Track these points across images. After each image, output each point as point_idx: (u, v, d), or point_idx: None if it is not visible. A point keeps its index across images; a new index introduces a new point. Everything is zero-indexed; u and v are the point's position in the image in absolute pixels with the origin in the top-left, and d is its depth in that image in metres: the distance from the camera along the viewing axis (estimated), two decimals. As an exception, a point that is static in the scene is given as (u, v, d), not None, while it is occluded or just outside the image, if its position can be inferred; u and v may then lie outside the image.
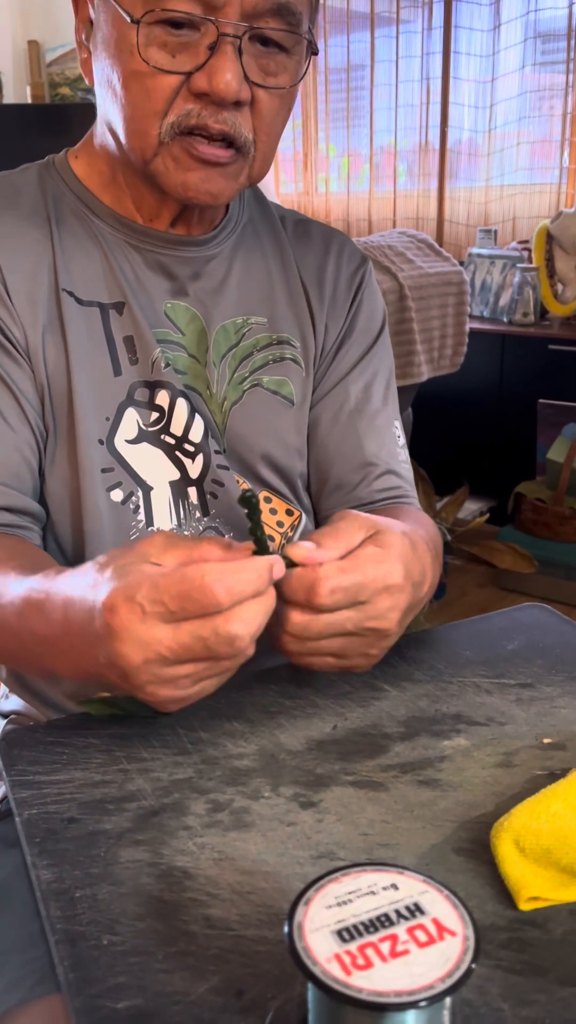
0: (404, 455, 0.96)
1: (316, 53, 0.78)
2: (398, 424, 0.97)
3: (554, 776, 0.60)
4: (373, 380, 0.95)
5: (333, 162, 3.85)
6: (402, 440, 0.97)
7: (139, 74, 0.72)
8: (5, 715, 0.97)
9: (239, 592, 0.54)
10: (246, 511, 0.60)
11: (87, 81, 0.81)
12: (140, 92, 0.73)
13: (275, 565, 0.57)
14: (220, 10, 0.70)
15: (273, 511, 0.92)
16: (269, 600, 0.56)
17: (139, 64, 0.72)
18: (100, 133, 0.83)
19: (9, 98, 3.76)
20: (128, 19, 0.71)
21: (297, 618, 0.60)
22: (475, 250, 3.20)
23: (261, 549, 0.59)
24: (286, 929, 0.38)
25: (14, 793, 0.60)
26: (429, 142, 3.49)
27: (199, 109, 0.72)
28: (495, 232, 3.28)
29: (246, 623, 0.54)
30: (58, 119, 3.41)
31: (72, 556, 0.85)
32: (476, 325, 2.89)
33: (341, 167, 3.82)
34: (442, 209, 3.49)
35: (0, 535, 0.78)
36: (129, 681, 0.56)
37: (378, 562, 0.61)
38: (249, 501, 0.60)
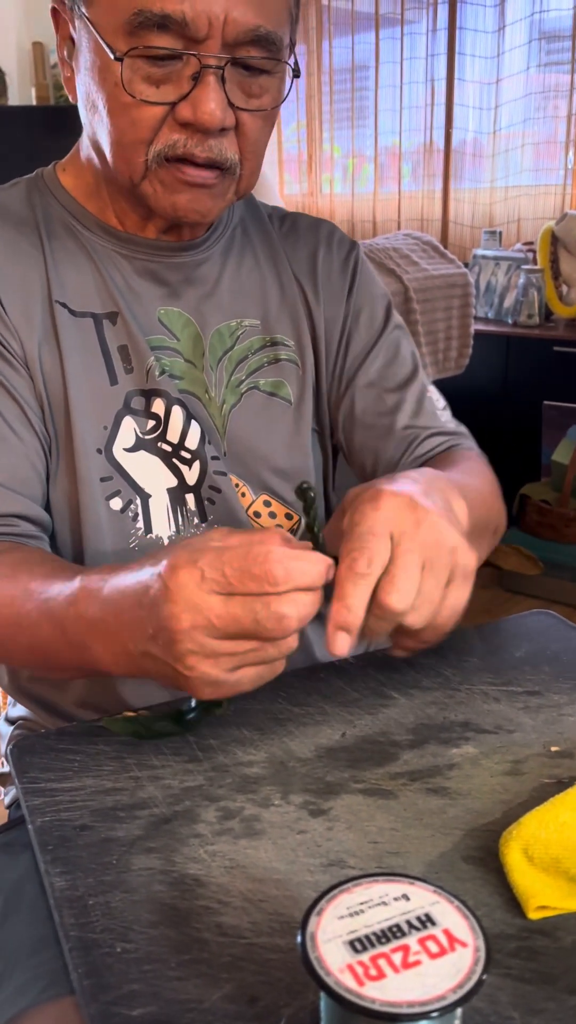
0: (447, 415, 0.95)
1: (298, 76, 0.79)
2: (433, 390, 0.95)
3: (562, 784, 0.60)
4: (394, 357, 0.94)
5: (338, 163, 3.85)
6: (442, 402, 0.96)
7: (124, 105, 0.73)
8: (12, 721, 0.97)
9: (297, 578, 0.55)
10: (303, 503, 0.61)
11: (71, 98, 0.82)
12: (126, 122, 0.74)
13: (330, 567, 0.58)
14: (202, 43, 0.71)
15: (272, 515, 0.92)
16: (318, 597, 0.58)
17: (124, 96, 0.73)
18: (85, 147, 0.84)
19: (14, 99, 3.77)
20: (111, 55, 0.72)
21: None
22: (480, 252, 3.20)
23: (316, 546, 0.60)
24: (299, 939, 0.39)
25: (27, 800, 0.61)
26: (434, 143, 3.49)
27: (184, 139, 0.74)
28: (500, 234, 3.27)
29: (297, 607, 0.56)
30: (62, 120, 3.41)
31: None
32: (481, 327, 2.89)
33: (346, 168, 3.82)
34: (447, 210, 3.49)
35: (24, 547, 0.79)
36: (173, 649, 0.57)
37: (378, 512, 0.60)
38: (306, 493, 0.61)
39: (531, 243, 3.16)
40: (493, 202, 3.37)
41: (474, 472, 0.86)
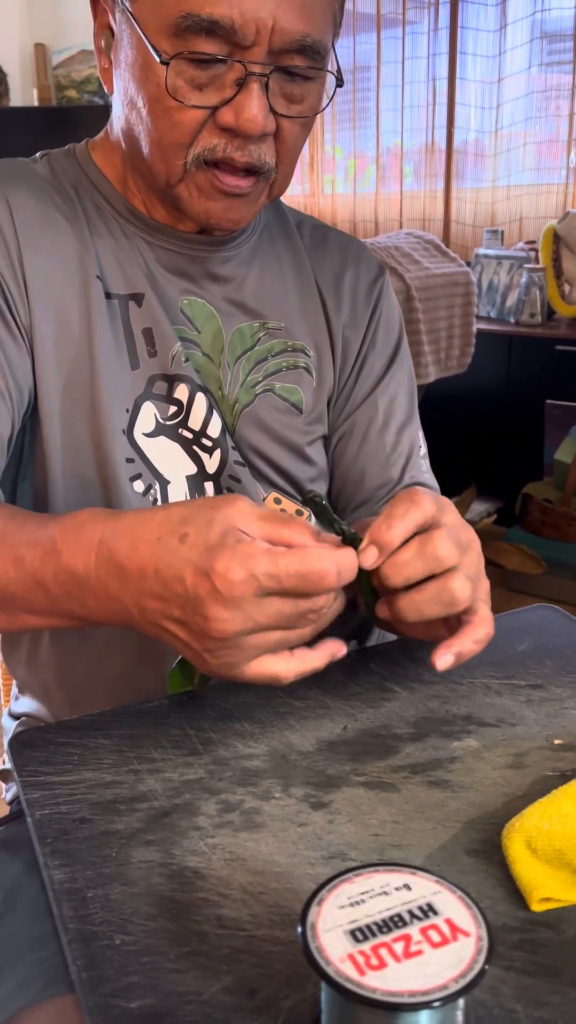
0: (426, 464, 0.97)
1: (341, 85, 0.78)
2: (420, 434, 0.97)
3: (565, 777, 0.60)
4: (398, 392, 0.95)
5: (339, 163, 3.85)
6: (424, 450, 0.97)
7: (166, 107, 0.72)
8: (16, 716, 0.97)
9: (346, 576, 0.56)
10: (313, 511, 0.61)
11: (107, 89, 0.80)
12: (167, 123, 0.73)
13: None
14: (248, 50, 0.70)
15: (284, 511, 0.92)
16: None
17: (167, 98, 0.72)
18: (116, 133, 0.83)
19: (16, 100, 3.77)
20: (156, 57, 0.71)
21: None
22: (482, 251, 3.20)
23: (348, 541, 0.61)
24: (299, 929, 0.38)
25: (26, 793, 0.60)
26: (435, 143, 3.49)
27: (224, 143, 0.73)
28: (502, 233, 3.27)
29: (338, 602, 0.58)
30: (65, 121, 3.42)
31: None
32: (483, 326, 2.88)
33: (347, 168, 3.82)
34: (448, 210, 3.49)
35: None
36: (206, 641, 0.56)
37: (415, 503, 0.62)
38: (314, 502, 0.61)
39: (533, 242, 3.15)
40: (495, 201, 3.37)
41: None
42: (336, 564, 0.55)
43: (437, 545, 0.60)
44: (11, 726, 0.97)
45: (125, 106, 0.78)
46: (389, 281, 0.97)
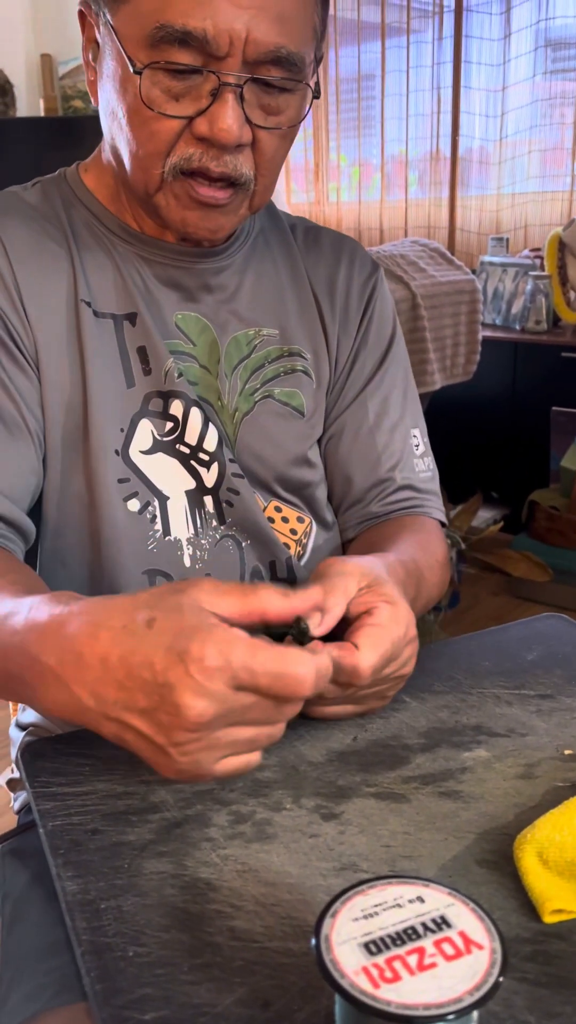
0: (424, 464, 0.97)
1: (318, 97, 0.78)
2: (417, 432, 0.97)
3: (575, 788, 0.60)
4: (391, 391, 0.95)
5: (344, 171, 3.86)
6: (421, 448, 0.97)
7: (143, 117, 0.73)
8: (24, 727, 0.97)
9: (322, 683, 0.52)
10: (297, 637, 0.58)
11: (93, 102, 0.82)
12: (144, 133, 0.74)
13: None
14: (222, 61, 0.70)
15: (285, 519, 0.92)
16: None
17: (142, 108, 0.73)
18: (106, 150, 0.84)
19: (22, 111, 3.79)
20: (131, 67, 0.72)
21: (333, 690, 0.63)
22: (487, 258, 3.21)
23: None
24: (313, 942, 0.38)
25: (38, 804, 0.60)
26: (440, 151, 3.49)
27: (200, 153, 0.73)
28: (507, 240, 3.28)
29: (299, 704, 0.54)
30: (71, 132, 3.43)
31: (89, 568, 0.85)
32: (489, 333, 2.88)
33: (352, 176, 3.83)
34: (453, 217, 3.50)
35: None
36: (173, 734, 0.50)
37: (397, 622, 0.63)
38: (303, 633, 0.58)
39: (538, 249, 3.16)
40: (500, 209, 3.38)
41: (430, 548, 0.87)
42: (315, 670, 0.50)
43: (361, 676, 0.61)
44: (19, 736, 0.97)
45: (108, 118, 0.79)
46: (383, 279, 0.98)
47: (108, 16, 0.74)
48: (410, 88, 3.51)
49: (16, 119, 3.68)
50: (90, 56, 0.80)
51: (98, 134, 0.88)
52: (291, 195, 4.01)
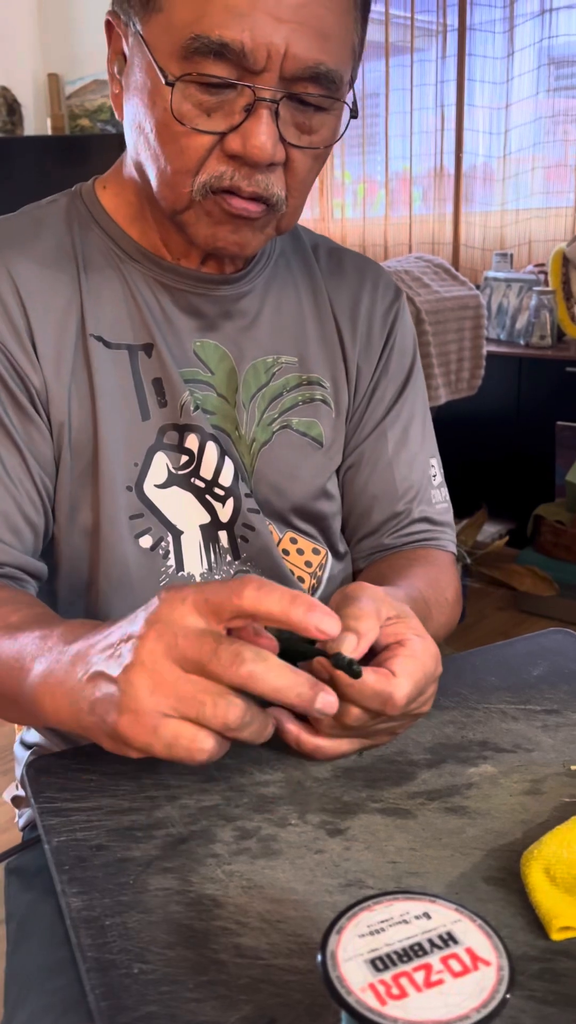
0: (440, 495, 0.95)
1: (356, 117, 0.75)
2: (434, 462, 0.96)
3: (583, 803, 0.60)
4: (411, 421, 0.94)
5: (348, 188, 3.89)
6: (438, 478, 0.96)
7: (173, 132, 0.71)
8: (28, 746, 0.97)
9: (265, 607, 0.51)
10: (347, 671, 0.58)
11: (117, 116, 0.79)
12: (173, 149, 0.71)
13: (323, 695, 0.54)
14: (258, 75, 0.67)
15: (300, 551, 0.91)
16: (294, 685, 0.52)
17: (173, 122, 0.70)
18: (128, 165, 0.82)
19: (29, 130, 3.83)
20: (163, 79, 0.69)
21: (355, 713, 0.59)
22: (491, 274, 3.22)
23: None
24: (319, 958, 0.38)
25: (43, 820, 0.60)
26: (444, 168, 3.52)
27: (232, 171, 0.71)
28: (511, 256, 3.29)
29: (269, 670, 0.51)
30: (77, 150, 3.46)
31: (90, 607, 0.84)
32: (493, 348, 2.89)
33: (357, 193, 3.85)
34: (458, 233, 3.51)
35: (7, 587, 0.76)
36: (128, 657, 0.52)
37: (429, 656, 0.61)
38: (350, 668, 0.58)
39: (542, 265, 3.17)
40: (504, 225, 3.39)
41: (440, 585, 0.86)
42: (258, 596, 0.51)
43: (351, 714, 0.59)
44: (24, 755, 0.97)
45: (135, 132, 0.76)
46: (405, 305, 0.96)
47: (138, 26, 0.71)
48: (414, 106, 3.53)
49: (23, 138, 3.71)
50: (115, 69, 0.77)
51: (104, 152, 0.87)
52: (296, 212, 4.03)
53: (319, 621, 0.51)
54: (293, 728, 0.62)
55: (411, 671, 0.59)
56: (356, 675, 0.57)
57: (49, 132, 3.80)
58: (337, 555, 0.95)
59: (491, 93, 3.34)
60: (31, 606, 0.71)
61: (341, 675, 0.57)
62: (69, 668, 0.57)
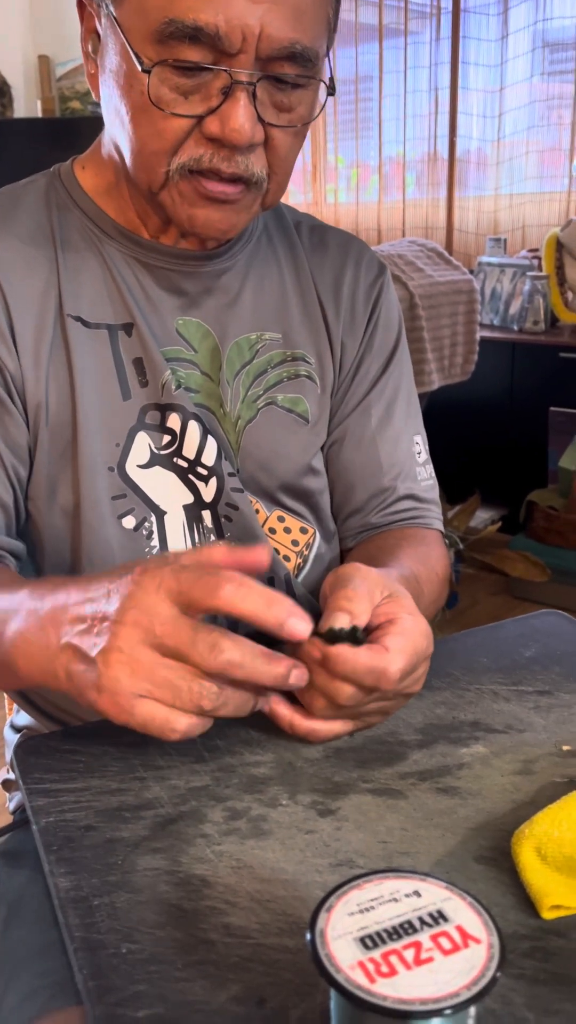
0: (425, 472, 0.95)
1: (332, 94, 0.75)
2: (419, 439, 0.95)
3: (574, 784, 0.60)
4: (395, 397, 0.93)
5: (342, 173, 3.86)
6: (423, 455, 0.95)
7: (150, 116, 0.70)
8: (18, 729, 0.96)
9: (240, 608, 0.53)
10: (353, 640, 0.60)
11: (94, 96, 0.78)
12: (150, 131, 0.71)
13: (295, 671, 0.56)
14: (234, 58, 0.67)
15: (287, 530, 0.90)
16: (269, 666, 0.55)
17: (149, 107, 0.69)
18: (107, 145, 0.81)
19: (20, 112, 3.79)
20: (139, 66, 0.68)
21: (348, 691, 0.60)
22: (485, 259, 3.20)
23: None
24: (308, 936, 0.38)
25: (31, 801, 0.60)
26: (438, 152, 3.50)
27: (211, 154, 0.70)
28: (504, 241, 3.28)
29: (242, 651, 0.53)
30: (68, 133, 3.42)
31: None
32: (486, 333, 2.88)
33: (350, 178, 3.83)
34: (451, 218, 3.50)
35: None
36: (103, 641, 0.54)
37: (420, 634, 0.62)
38: (353, 636, 0.60)
39: (536, 250, 3.16)
40: (497, 209, 3.38)
41: (430, 562, 0.86)
42: (232, 584, 0.53)
43: (342, 692, 0.59)
44: (13, 739, 0.96)
45: (111, 113, 0.76)
46: (390, 281, 0.95)
47: (111, 8, 0.70)
48: (408, 89, 3.51)
49: (14, 120, 3.68)
50: (90, 48, 0.77)
51: (95, 135, 0.85)
52: (289, 196, 4.00)
53: (292, 627, 0.54)
54: (286, 712, 0.63)
55: (403, 646, 0.60)
56: (359, 642, 0.59)
57: (40, 114, 3.76)
58: (327, 534, 0.94)
59: (485, 76, 3.31)
60: None
61: (334, 653, 0.58)
62: (40, 634, 0.59)
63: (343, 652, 0.58)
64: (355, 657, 0.58)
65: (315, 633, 0.59)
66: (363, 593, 0.62)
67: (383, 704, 0.63)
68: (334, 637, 0.59)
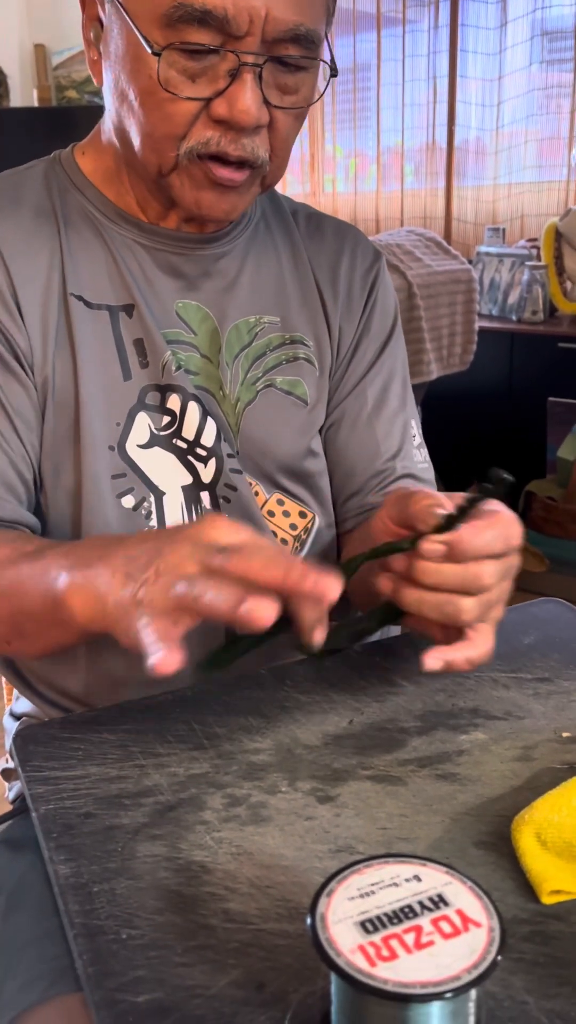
0: (421, 455, 0.96)
1: (335, 75, 0.77)
2: (415, 423, 0.96)
3: (573, 770, 0.60)
4: (391, 380, 0.94)
5: (340, 163, 3.85)
6: (419, 439, 0.96)
7: (158, 99, 0.71)
8: (17, 716, 0.96)
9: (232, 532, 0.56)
10: (496, 490, 0.65)
11: (96, 82, 0.79)
12: (159, 115, 0.72)
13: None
14: (240, 40, 0.69)
15: (286, 513, 0.90)
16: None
17: (158, 90, 0.71)
18: (107, 131, 0.82)
19: (16, 101, 3.77)
20: (148, 48, 0.70)
21: (490, 568, 0.61)
22: (483, 248, 3.19)
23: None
24: (309, 921, 0.38)
25: (30, 788, 0.60)
26: (436, 141, 3.48)
27: (218, 136, 0.72)
28: (503, 230, 3.26)
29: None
30: (65, 122, 3.41)
31: None
32: (485, 323, 2.87)
33: (348, 167, 3.82)
34: (450, 208, 3.48)
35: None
36: (161, 561, 0.56)
37: (510, 517, 0.64)
38: (500, 480, 0.65)
39: (535, 239, 3.15)
40: (496, 199, 3.36)
41: None
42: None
43: (485, 572, 0.60)
44: (13, 726, 0.96)
45: (115, 99, 0.77)
46: (385, 268, 0.96)
47: None
48: (406, 78, 3.49)
49: (10, 109, 3.66)
50: (91, 35, 0.78)
51: (91, 124, 0.86)
52: (286, 186, 3.99)
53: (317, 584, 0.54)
54: (447, 652, 0.62)
55: (504, 510, 0.63)
56: (473, 503, 0.62)
57: (36, 103, 3.75)
58: (328, 517, 0.94)
59: (484, 64, 3.30)
60: (41, 539, 0.76)
61: (462, 534, 0.60)
62: (96, 568, 0.60)
63: (468, 531, 0.60)
64: (479, 531, 0.60)
65: (421, 535, 0.61)
66: (433, 493, 0.65)
67: (505, 584, 0.64)
68: (441, 529, 0.61)
